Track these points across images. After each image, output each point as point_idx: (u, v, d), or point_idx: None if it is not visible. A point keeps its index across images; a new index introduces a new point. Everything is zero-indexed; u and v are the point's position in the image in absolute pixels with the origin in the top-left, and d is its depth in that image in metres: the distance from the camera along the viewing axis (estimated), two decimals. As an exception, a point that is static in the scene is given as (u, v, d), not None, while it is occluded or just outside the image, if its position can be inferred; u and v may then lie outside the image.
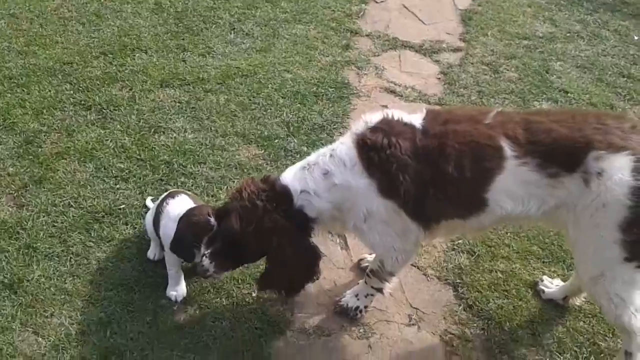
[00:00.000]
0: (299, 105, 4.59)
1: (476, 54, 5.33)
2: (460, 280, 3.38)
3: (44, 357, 2.90)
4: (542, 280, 3.36)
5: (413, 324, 3.18)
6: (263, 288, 3.12)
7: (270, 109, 4.52)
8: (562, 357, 3.01)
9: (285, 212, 2.84)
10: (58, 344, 2.96)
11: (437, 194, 2.71)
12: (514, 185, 2.65)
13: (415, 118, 2.79)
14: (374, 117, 2.83)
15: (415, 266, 3.47)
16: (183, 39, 5.22)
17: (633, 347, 2.77)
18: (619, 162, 2.50)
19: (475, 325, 3.16)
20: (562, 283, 3.31)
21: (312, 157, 2.93)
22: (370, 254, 3.42)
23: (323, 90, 4.76)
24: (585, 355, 3.03)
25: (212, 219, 3.02)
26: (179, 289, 3.21)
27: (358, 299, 3.18)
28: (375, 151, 2.70)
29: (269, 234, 2.82)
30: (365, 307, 3.18)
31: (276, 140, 4.23)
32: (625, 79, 5.10)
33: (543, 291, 3.31)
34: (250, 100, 4.59)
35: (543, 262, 3.49)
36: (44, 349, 2.94)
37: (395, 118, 2.80)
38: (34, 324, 3.04)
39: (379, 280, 3.10)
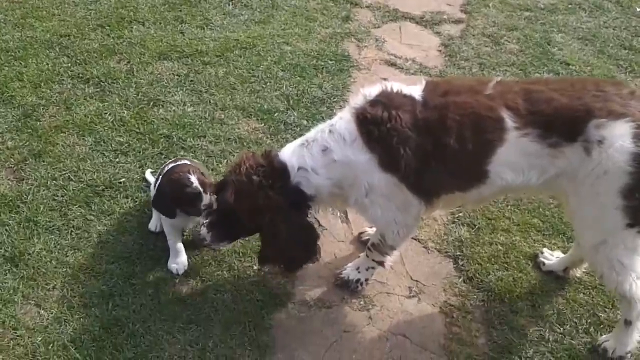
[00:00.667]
0: (298, 78, 4.56)
1: (477, 26, 5.28)
2: (460, 253, 3.39)
3: (46, 329, 2.91)
4: (542, 253, 3.37)
5: (413, 296, 3.20)
6: (261, 263, 3.14)
7: (270, 82, 4.49)
8: (561, 329, 3.03)
9: (281, 188, 2.81)
10: (60, 316, 2.97)
11: (438, 167, 2.69)
12: (515, 156, 2.64)
13: (415, 90, 2.76)
14: (372, 90, 2.79)
15: (415, 239, 3.48)
16: (180, 11, 5.16)
17: (633, 316, 2.81)
18: (620, 130, 2.51)
19: (475, 297, 3.17)
20: (562, 255, 3.33)
21: (312, 133, 2.89)
22: (370, 227, 3.43)
23: (323, 63, 4.72)
24: (584, 326, 3.05)
25: (193, 177, 3.04)
26: (179, 262, 3.21)
27: (359, 272, 3.19)
28: (375, 125, 2.66)
29: (261, 210, 2.81)
30: (366, 279, 3.20)
31: (276, 114, 4.21)
32: (626, 51, 5.06)
33: (543, 263, 3.32)
34: (249, 73, 4.55)
35: (543, 234, 3.50)
36: (46, 321, 2.95)
37: (395, 90, 2.76)
38: (35, 296, 3.06)
39: (380, 253, 3.11)
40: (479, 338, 2.99)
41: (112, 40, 4.81)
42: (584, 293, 3.20)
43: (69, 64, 4.54)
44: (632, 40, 5.24)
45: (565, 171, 2.65)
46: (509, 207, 3.64)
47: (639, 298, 2.74)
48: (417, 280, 3.28)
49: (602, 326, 3.05)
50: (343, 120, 2.79)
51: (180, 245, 3.25)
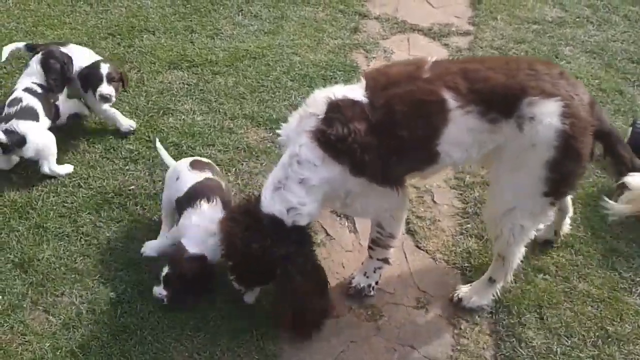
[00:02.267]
0: (307, 88, 4.57)
1: (485, 38, 5.30)
2: (468, 264, 3.39)
3: (54, 335, 2.93)
4: None
5: (421, 307, 3.20)
6: (279, 324, 3.06)
7: (279, 92, 4.51)
8: (569, 341, 3.02)
9: (281, 237, 2.81)
10: (69, 322, 2.99)
11: (398, 158, 2.80)
12: (461, 133, 2.77)
13: (357, 91, 2.80)
14: (319, 106, 2.78)
15: (423, 250, 3.49)
16: (191, 20, 5.20)
17: (500, 276, 3.09)
18: (549, 108, 2.68)
19: (483, 308, 3.16)
20: (548, 223, 3.37)
21: (279, 172, 2.83)
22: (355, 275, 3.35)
23: (331, 74, 4.74)
24: (592, 339, 3.04)
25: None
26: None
27: (367, 277, 3.21)
28: (340, 142, 2.70)
29: (273, 266, 2.84)
30: (376, 282, 3.23)
31: (284, 124, 4.21)
32: (634, 64, 5.06)
33: (535, 235, 3.36)
34: (258, 82, 4.58)
35: (552, 246, 3.49)
36: (54, 327, 2.97)
37: (340, 99, 2.77)
38: (44, 302, 3.07)
39: (383, 248, 3.15)
40: (486, 350, 2.99)
41: (122, 49, 4.85)
42: (591, 306, 3.19)
43: (80, 72, 4.57)
44: (640, 54, 5.25)
45: (499, 145, 2.81)
46: (517, 219, 3.64)
47: (515, 261, 3.04)
48: (424, 291, 3.28)
49: (610, 339, 3.04)
50: (305, 147, 2.75)
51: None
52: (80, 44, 4.78)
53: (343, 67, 4.83)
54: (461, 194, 3.83)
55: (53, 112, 3.84)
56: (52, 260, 3.26)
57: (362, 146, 2.70)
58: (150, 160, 3.86)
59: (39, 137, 3.64)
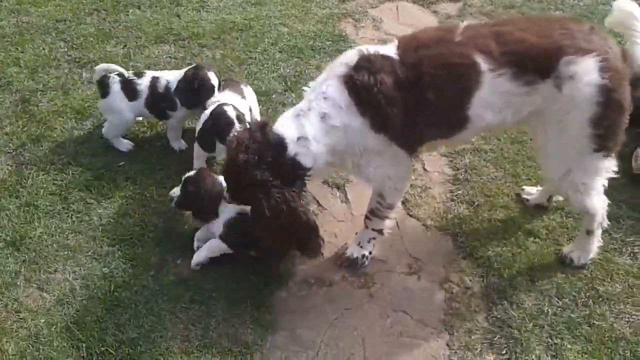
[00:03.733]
0: (296, 59, 4.55)
1: (474, 4, 5.25)
2: (459, 230, 3.41)
3: (49, 312, 2.95)
4: (524, 190, 3.56)
5: (413, 273, 3.22)
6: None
7: (267, 64, 4.48)
8: (560, 302, 3.05)
9: (272, 164, 2.74)
10: (63, 298, 3.00)
11: (423, 120, 2.78)
12: (493, 96, 2.75)
13: (390, 49, 2.82)
14: (352, 57, 2.82)
15: (414, 217, 3.50)
16: (176, -7, 5.14)
17: (594, 226, 3.10)
18: (588, 65, 2.67)
19: (474, 273, 3.19)
20: (541, 188, 3.50)
21: (304, 104, 2.86)
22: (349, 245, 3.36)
23: (320, 44, 4.71)
24: (583, 299, 3.07)
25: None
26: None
27: (362, 247, 3.23)
28: (365, 90, 2.72)
29: (248, 188, 2.78)
30: (370, 252, 3.24)
31: (273, 95, 4.20)
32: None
33: (527, 199, 3.51)
34: (246, 55, 4.54)
35: (542, 210, 3.50)
36: (48, 304, 2.98)
37: (372, 53, 2.80)
38: (38, 279, 3.08)
39: (379, 218, 3.16)
40: (478, 313, 3.02)
41: (108, 24, 4.80)
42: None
43: (66, 49, 4.55)
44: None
45: (538, 108, 2.79)
46: (508, 183, 3.65)
47: (598, 210, 3.03)
48: (417, 258, 3.29)
49: (601, 299, 3.07)
50: (333, 87, 2.79)
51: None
52: (64, 20, 4.77)
53: (332, 37, 4.79)
54: (451, 161, 3.83)
55: None
56: (44, 238, 3.26)
57: (387, 98, 2.70)
58: (139, 136, 3.85)
59: None
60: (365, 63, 2.76)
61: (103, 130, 3.76)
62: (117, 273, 3.11)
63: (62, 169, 3.63)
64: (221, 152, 3.46)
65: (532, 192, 3.54)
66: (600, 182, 2.97)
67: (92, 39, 4.62)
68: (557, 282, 3.14)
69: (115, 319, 2.92)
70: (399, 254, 3.32)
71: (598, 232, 3.15)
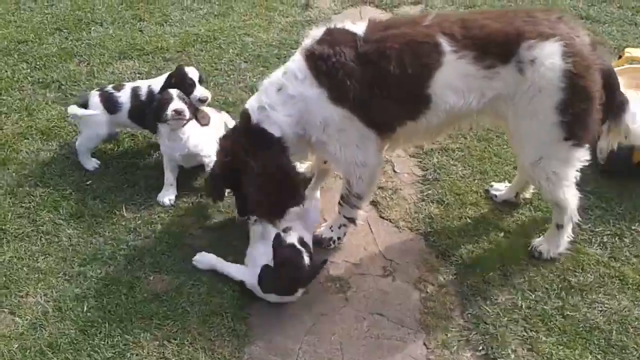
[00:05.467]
0: (262, 68, 4.56)
1: (436, 5, 5.32)
2: (431, 230, 3.44)
3: (22, 336, 2.89)
4: (492, 186, 3.60)
5: (388, 275, 3.23)
6: (240, 213, 3.25)
7: (233, 74, 4.48)
8: (533, 295, 3.09)
9: (243, 132, 3.00)
10: (35, 322, 2.95)
11: (383, 93, 2.82)
12: (454, 78, 2.80)
13: (359, 27, 2.89)
14: (319, 31, 2.92)
15: (386, 219, 3.52)
16: (138, 9, 5.13)
17: (565, 220, 3.13)
18: (550, 49, 2.70)
19: (447, 271, 3.22)
20: (509, 184, 3.54)
21: (267, 80, 3.02)
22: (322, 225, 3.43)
23: (285, 52, 4.72)
24: (556, 291, 3.11)
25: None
26: (168, 195, 3.53)
27: (332, 230, 3.29)
28: (322, 60, 2.79)
29: (231, 158, 3.00)
30: (339, 238, 3.30)
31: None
32: (583, 20, 5.12)
33: (495, 196, 3.55)
34: (211, 66, 4.54)
35: (511, 205, 3.55)
36: (21, 328, 2.93)
37: (339, 28, 2.90)
38: (9, 304, 3.03)
39: (350, 207, 3.19)
40: (453, 310, 3.04)
41: (70, 43, 4.77)
42: (553, 259, 3.26)
43: (29, 70, 4.50)
44: (588, 10, 5.31)
45: (503, 93, 2.82)
46: (476, 181, 3.69)
47: (569, 203, 3.06)
48: (390, 259, 3.31)
49: (573, 290, 3.11)
50: (294, 61, 2.93)
51: (174, 182, 3.55)
52: (26, 41, 4.72)
53: (296, 45, 4.73)
54: (420, 162, 3.86)
55: None
56: (13, 262, 3.21)
57: (345, 69, 2.76)
58: (106, 154, 3.81)
59: None
60: (328, 36, 2.85)
61: (76, 143, 3.75)
62: (89, 293, 3.07)
63: (30, 191, 3.59)
64: (189, 160, 3.53)
65: (500, 188, 3.58)
66: (572, 173, 2.99)
67: (55, 59, 4.59)
68: (530, 276, 3.18)
69: (90, 339, 2.87)
70: (373, 256, 3.33)
71: (568, 227, 3.18)
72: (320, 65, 2.80)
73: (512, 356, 2.83)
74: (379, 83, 2.79)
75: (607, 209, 3.51)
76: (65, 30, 4.88)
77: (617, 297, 3.08)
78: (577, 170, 3.01)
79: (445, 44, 2.76)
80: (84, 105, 3.66)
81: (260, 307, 3.06)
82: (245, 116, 3.01)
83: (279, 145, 2.94)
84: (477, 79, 2.79)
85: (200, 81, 3.60)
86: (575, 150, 2.89)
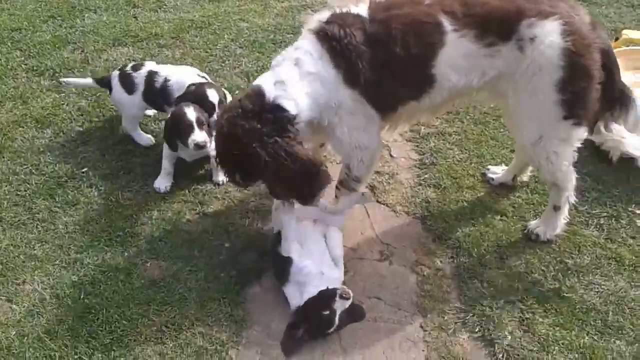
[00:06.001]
0: (257, 54, 4.53)
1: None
2: (428, 213, 3.44)
3: (19, 323, 2.90)
4: (489, 169, 3.60)
5: (385, 259, 3.24)
6: (274, 196, 3.09)
7: (229, 60, 4.46)
8: (530, 277, 3.10)
9: (255, 112, 2.72)
10: (32, 309, 2.96)
11: (391, 76, 2.82)
12: (457, 57, 2.80)
13: (362, 9, 2.87)
14: (324, 15, 2.88)
15: (383, 203, 3.52)
16: (132, -5, 5.08)
17: (562, 201, 3.14)
18: (550, 27, 2.70)
19: (444, 254, 3.22)
20: (505, 167, 3.54)
21: (277, 58, 2.89)
22: None
23: (281, 37, 4.69)
24: (552, 273, 3.12)
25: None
26: (165, 182, 3.51)
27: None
28: (336, 41, 2.76)
29: (239, 144, 2.72)
30: None
31: (237, 92, 4.17)
32: (580, 2, 5.09)
33: (492, 179, 3.56)
34: (206, 52, 4.51)
35: (507, 189, 3.55)
36: (19, 315, 2.93)
37: (344, 11, 2.86)
38: (6, 292, 3.03)
39: (348, 189, 3.18)
40: (450, 293, 3.04)
41: (64, 30, 4.74)
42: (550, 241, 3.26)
43: (23, 58, 4.47)
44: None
45: (504, 72, 2.82)
46: (473, 164, 3.69)
47: (567, 184, 3.07)
48: (387, 244, 3.31)
49: (569, 272, 3.12)
50: (305, 40, 2.84)
51: (171, 171, 3.54)
52: (19, 29, 4.69)
53: (292, 30, 4.78)
54: (417, 146, 3.86)
55: None
56: (10, 250, 3.21)
57: (357, 51, 2.74)
58: (102, 141, 3.80)
59: None
60: (336, 19, 2.82)
61: (122, 125, 3.82)
62: (86, 280, 3.07)
63: (25, 179, 3.58)
64: (189, 153, 3.48)
65: (497, 171, 3.58)
66: (571, 153, 2.99)
67: (48, 46, 4.55)
68: (526, 258, 3.18)
69: (87, 326, 2.88)
70: (370, 241, 3.33)
71: (565, 208, 3.18)
72: (335, 45, 2.75)
73: (509, 337, 2.84)
74: (387, 64, 2.79)
75: (603, 191, 3.51)
76: (58, 18, 4.84)
77: (614, 278, 3.09)
78: (575, 151, 2.99)
79: (447, 23, 2.76)
80: (110, 88, 3.70)
81: (258, 292, 3.06)
82: (257, 93, 2.76)
83: (294, 126, 2.75)
84: (478, 57, 2.80)
85: (221, 103, 3.46)
86: (574, 130, 2.89)
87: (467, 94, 3.03)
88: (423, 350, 2.82)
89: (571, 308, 2.96)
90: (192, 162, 3.62)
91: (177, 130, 3.33)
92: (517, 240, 3.27)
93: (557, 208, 3.17)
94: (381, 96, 2.87)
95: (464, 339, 2.86)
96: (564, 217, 3.20)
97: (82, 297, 3.00)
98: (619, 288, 3.04)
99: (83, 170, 3.62)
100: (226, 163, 2.90)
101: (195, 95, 3.45)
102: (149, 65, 3.73)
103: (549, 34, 2.69)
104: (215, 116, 3.38)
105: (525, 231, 3.27)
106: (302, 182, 2.83)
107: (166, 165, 3.51)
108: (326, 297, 2.81)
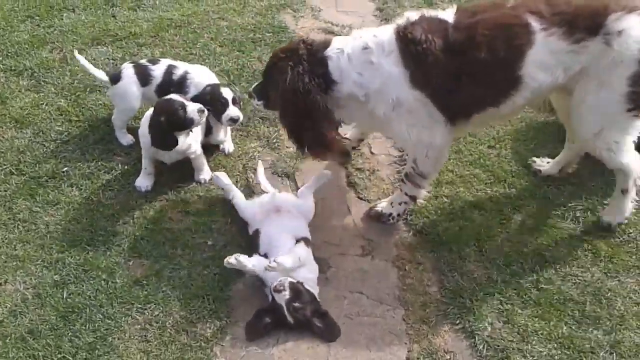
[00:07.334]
0: (237, 52, 4.54)
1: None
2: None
3: (2, 324, 2.89)
4: (535, 162, 3.68)
5: (367, 254, 3.28)
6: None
7: (209, 59, 4.45)
8: (508, 270, 3.16)
9: (310, 53, 3.03)
10: (15, 309, 2.95)
11: (471, 82, 2.89)
12: (545, 55, 2.87)
13: (448, 14, 2.96)
14: (414, 15, 2.98)
15: (365, 200, 3.56)
16: (110, -6, 5.05)
17: (629, 184, 3.21)
18: (635, 21, 2.78)
19: (424, 248, 3.27)
20: (551, 160, 3.61)
21: (358, 33, 3.09)
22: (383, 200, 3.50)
23: (260, 36, 4.70)
24: (530, 265, 3.18)
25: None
26: (146, 182, 3.51)
27: (392, 207, 3.36)
28: (413, 44, 2.87)
29: (279, 62, 3.09)
30: (398, 215, 3.36)
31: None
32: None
33: (540, 171, 3.62)
34: (186, 51, 4.50)
35: (485, 183, 3.61)
36: (1, 316, 2.92)
37: (432, 16, 2.97)
38: (-12, 293, 3.02)
39: (413, 185, 3.26)
40: (431, 286, 3.10)
41: (42, 30, 4.69)
42: (528, 235, 3.33)
43: (1, 58, 4.43)
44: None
45: (586, 66, 2.89)
46: (451, 160, 3.73)
47: (633, 167, 3.14)
48: (369, 239, 3.35)
49: (547, 264, 3.19)
50: (386, 32, 2.99)
51: (152, 170, 3.52)
52: (-4, 28, 4.65)
53: (272, 29, 4.79)
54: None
55: None
56: (-10, 251, 3.20)
57: (433, 58, 2.83)
58: (82, 140, 3.79)
59: None
60: (423, 22, 2.92)
61: (112, 117, 3.80)
62: (68, 279, 3.07)
63: (5, 179, 3.55)
64: (169, 156, 3.48)
65: (542, 164, 3.64)
66: (631, 140, 3.07)
67: (27, 46, 4.51)
68: (505, 251, 3.24)
69: (71, 325, 2.88)
70: (352, 237, 3.37)
71: (633, 191, 3.25)
72: (411, 47, 2.87)
73: (489, 328, 2.90)
74: (467, 71, 2.87)
75: (579, 184, 3.58)
76: (36, 17, 4.80)
77: (590, 269, 3.17)
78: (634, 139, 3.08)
79: (535, 23, 2.83)
80: (117, 80, 3.68)
81: (242, 289, 3.09)
82: (326, 43, 3.07)
83: (327, 82, 3.01)
84: (565, 53, 2.87)
85: (234, 102, 3.55)
86: (635, 120, 2.98)
87: (546, 94, 3.12)
88: (406, 343, 2.87)
89: (549, 299, 3.03)
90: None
91: (177, 122, 3.32)
92: (496, 233, 3.33)
93: (624, 191, 3.24)
94: (455, 103, 2.95)
95: (445, 330, 2.92)
96: (632, 200, 3.28)
97: (64, 296, 3.00)
98: (596, 279, 3.12)
99: (63, 169, 3.61)
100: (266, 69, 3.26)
101: (211, 94, 3.53)
102: (165, 60, 3.82)
103: (635, 28, 2.77)
104: (228, 112, 3.51)
105: (599, 225, 3.34)
106: (303, 123, 3.06)
107: (146, 165, 3.51)
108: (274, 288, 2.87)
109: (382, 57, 2.94)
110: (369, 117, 3.11)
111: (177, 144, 3.36)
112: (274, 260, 2.87)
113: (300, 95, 2.97)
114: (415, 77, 2.90)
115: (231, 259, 2.94)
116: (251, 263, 2.96)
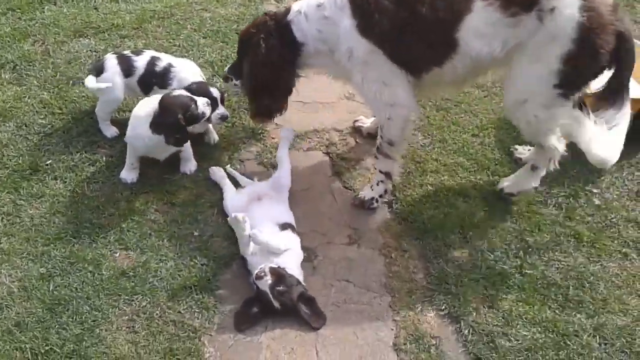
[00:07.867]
0: (221, 43, 4.53)
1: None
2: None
3: (-13, 318, 2.88)
4: (517, 149, 3.73)
5: (353, 243, 3.30)
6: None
7: (192, 50, 4.44)
8: (492, 255, 3.20)
9: (275, 21, 3.29)
10: (1, 302, 2.93)
11: (413, 35, 2.97)
12: (481, 24, 2.91)
13: None
14: None
15: (350, 189, 3.58)
16: (92, -14, 5.00)
17: (541, 162, 3.31)
18: (569, 0, 2.80)
19: (410, 236, 3.31)
20: (532, 148, 3.60)
21: None
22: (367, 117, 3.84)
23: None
24: (514, 251, 3.23)
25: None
26: (131, 175, 3.51)
27: (372, 190, 3.45)
28: None
29: (252, 34, 3.33)
30: (380, 196, 3.43)
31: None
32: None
33: (520, 159, 3.66)
34: (169, 43, 4.49)
35: (469, 171, 3.65)
36: (-13, 310, 2.91)
37: None
38: (-27, 287, 3.00)
39: (384, 157, 3.35)
40: (417, 273, 3.13)
41: (24, 22, 4.65)
42: (511, 221, 3.38)
43: (-19, 51, 4.38)
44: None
45: (522, 41, 2.92)
46: (436, 149, 3.77)
47: (551, 145, 3.22)
48: (355, 228, 3.37)
49: (530, 249, 3.23)
50: None
51: (137, 164, 3.51)
52: (-24, 21, 4.59)
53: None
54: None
55: None
56: (-25, 245, 3.18)
57: (377, 6, 2.96)
58: (66, 133, 3.77)
59: None
60: None
61: (96, 109, 3.77)
62: (55, 272, 3.06)
63: (-12, 173, 3.53)
64: (168, 150, 3.48)
65: (523, 152, 3.68)
66: (553, 122, 3.10)
67: (8, 39, 4.47)
68: (488, 237, 3.29)
69: (57, 317, 2.88)
70: (339, 226, 3.39)
71: (540, 172, 3.34)
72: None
73: (474, 314, 2.94)
74: (410, 23, 2.94)
75: (561, 171, 3.59)
76: (17, 10, 4.75)
77: (573, 254, 3.22)
78: (558, 123, 3.12)
79: None
80: (100, 71, 3.64)
81: (229, 279, 3.10)
82: (287, 10, 3.29)
83: (293, 47, 3.25)
84: (502, 26, 2.90)
85: (222, 101, 3.59)
86: (558, 100, 2.99)
87: (489, 66, 3.13)
88: (392, 329, 2.90)
89: (533, 284, 3.07)
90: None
91: (192, 117, 3.37)
92: (480, 220, 3.37)
93: (534, 168, 3.34)
94: (402, 53, 3.03)
95: (431, 316, 2.95)
96: (536, 181, 3.37)
97: (51, 289, 2.99)
98: (579, 264, 3.17)
99: (47, 162, 3.58)
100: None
101: (201, 93, 3.49)
102: (149, 51, 3.81)
103: (567, 7, 2.80)
104: (218, 110, 3.55)
105: (498, 190, 3.45)
106: (265, 88, 3.33)
107: (132, 161, 3.49)
108: (256, 276, 2.90)
109: (335, 11, 3.09)
110: (339, 68, 3.26)
111: (188, 138, 3.41)
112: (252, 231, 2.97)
113: (272, 67, 3.26)
114: (363, 25, 3.02)
115: (239, 215, 3.01)
116: (249, 230, 3.01)
